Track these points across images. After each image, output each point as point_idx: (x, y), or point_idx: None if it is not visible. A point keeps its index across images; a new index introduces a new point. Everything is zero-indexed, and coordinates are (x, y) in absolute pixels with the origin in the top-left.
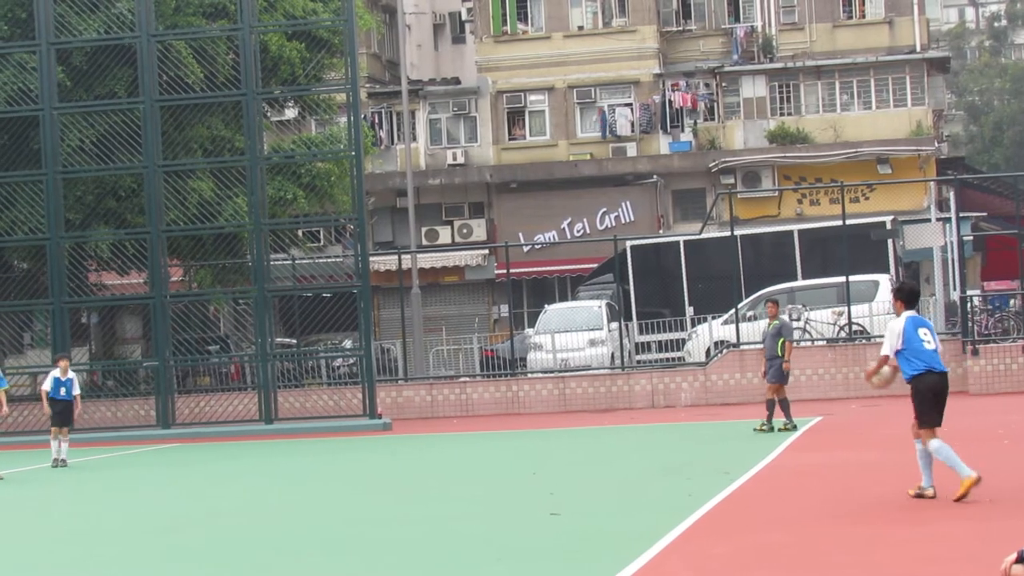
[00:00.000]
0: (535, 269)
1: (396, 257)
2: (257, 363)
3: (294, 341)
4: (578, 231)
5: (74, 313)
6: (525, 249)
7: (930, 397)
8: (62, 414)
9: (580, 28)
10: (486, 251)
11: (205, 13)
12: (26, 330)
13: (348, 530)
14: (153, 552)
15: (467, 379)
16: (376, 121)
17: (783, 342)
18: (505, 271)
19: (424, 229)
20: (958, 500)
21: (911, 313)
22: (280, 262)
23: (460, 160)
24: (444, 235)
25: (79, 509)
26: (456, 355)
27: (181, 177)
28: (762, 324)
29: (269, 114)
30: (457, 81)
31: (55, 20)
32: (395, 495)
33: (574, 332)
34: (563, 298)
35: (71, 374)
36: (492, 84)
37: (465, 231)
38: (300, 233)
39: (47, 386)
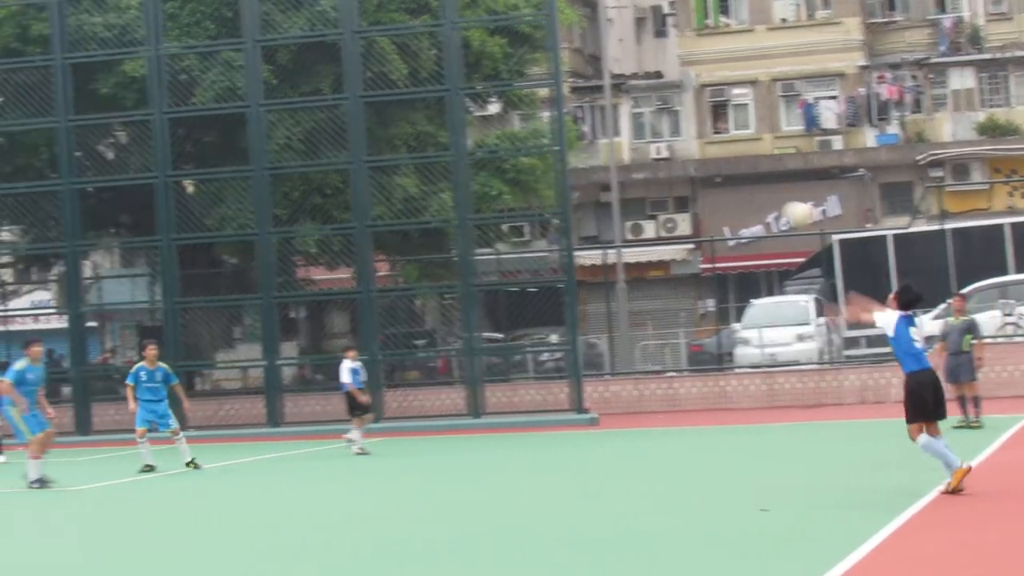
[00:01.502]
0: (740, 264)
1: (601, 252)
2: (464, 358)
3: (501, 336)
4: (784, 225)
5: (283, 308)
6: (730, 243)
7: (921, 394)
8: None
9: (783, 21)
10: (691, 246)
11: (408, 9)
12: (236, 325)
13: (567, 525)
14: (367, 542)
15: (674, 374)
16: (579, 115)
17: (970, 338)
18: (711, 266)
19: (629, 224)
20: (952, 492)
21: (903, 313)
22: (485, 257)
23: (664, 154)
24: (649, 230)
25: (301, 498)
26: (662, 350)
27: (386, 173)
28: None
29: (472, 109)
30: (660, 75)
31: (260, 18)
32: (605, 489)
33: (781, 327)
34: (769, 293)
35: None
36: (695, 78)
37: (670, 225)
38: (505, 228)
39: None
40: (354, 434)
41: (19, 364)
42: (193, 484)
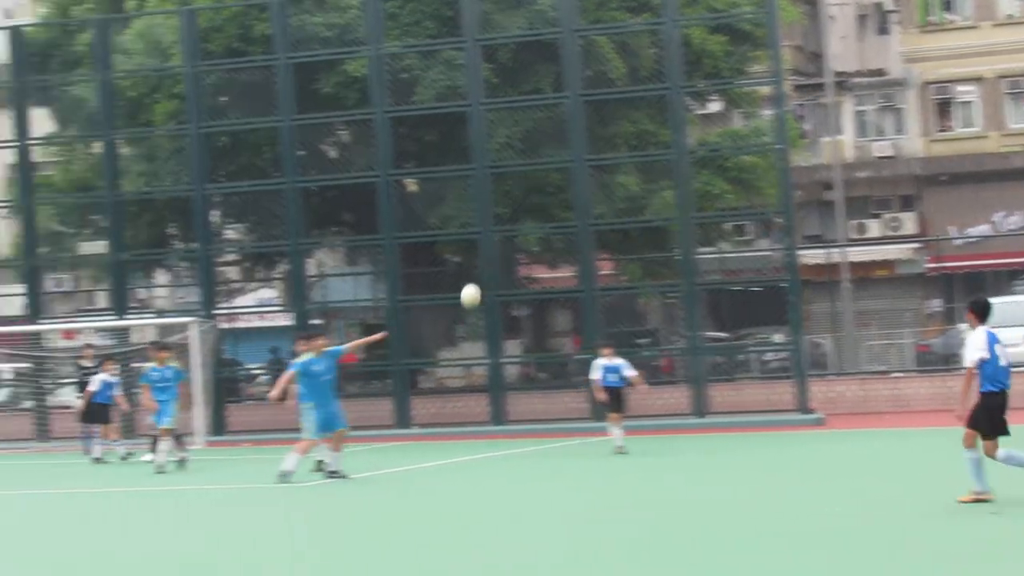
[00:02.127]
0: (967, 263)
1: (824, 251)
2: (688, 357)
3: (725, 335)
4: (1012, 224)
5: (506, 306)
6: (957, 243)
7: (997, 414)
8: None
9: (1009, 17)
10: (917, 245)
11: (628, 8)
12: (459, 323)
13: (800, 524)
14: (621, 538)
15: (900, 374)
16: (801, 114)
17: None
18: (937, 265)
19: (853, 222)
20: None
21: (987, 328)
22: (708, 256)
23: (888, 153)
24: (873, 228)
25: (539, 494)
26: (888, 350)
27: (607, 171)
28: None
29: (693, 108)
30: (882, 73)
31: (480, 17)
32: (833, 489)
33: (1011, 327)
34: (997, 292)
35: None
36: (918, 75)
37: (895, 224)
38: (727, 227)
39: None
40: (614, 431)
41: (304, 356)
42: (425, 481)
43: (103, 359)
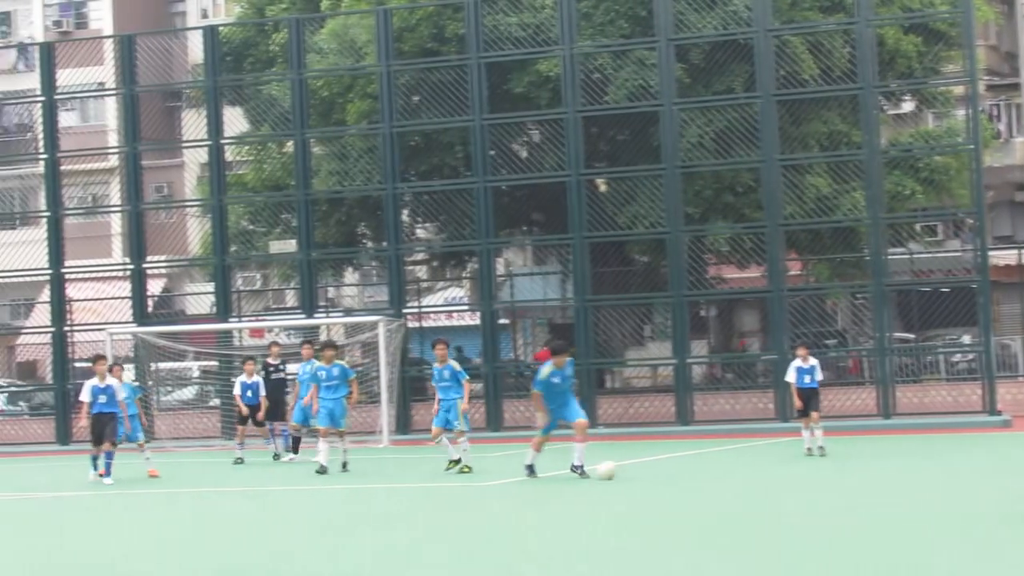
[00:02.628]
0: None
1: (1016, 252)
2: (875, 358)
3: (912, 336)
4: None
5: (693, 306)
6: None
7: None
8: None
9: None
10: None
11: (821, 7)
12: (646, 323)
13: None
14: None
15: None
16: (994, 114)
17: None
18: None
19: None
20: None
21: None
22: (898, 256)
23: None
24: None
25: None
26: None
27: (798, 171)
28: None
29: (886, 108)
30: None
31: (674, 17)
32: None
33: None
34: None
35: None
36: None
37: None
38: (917, 227)
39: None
40: (805, 434)
41: (545, 370)
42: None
43: (245, 360)
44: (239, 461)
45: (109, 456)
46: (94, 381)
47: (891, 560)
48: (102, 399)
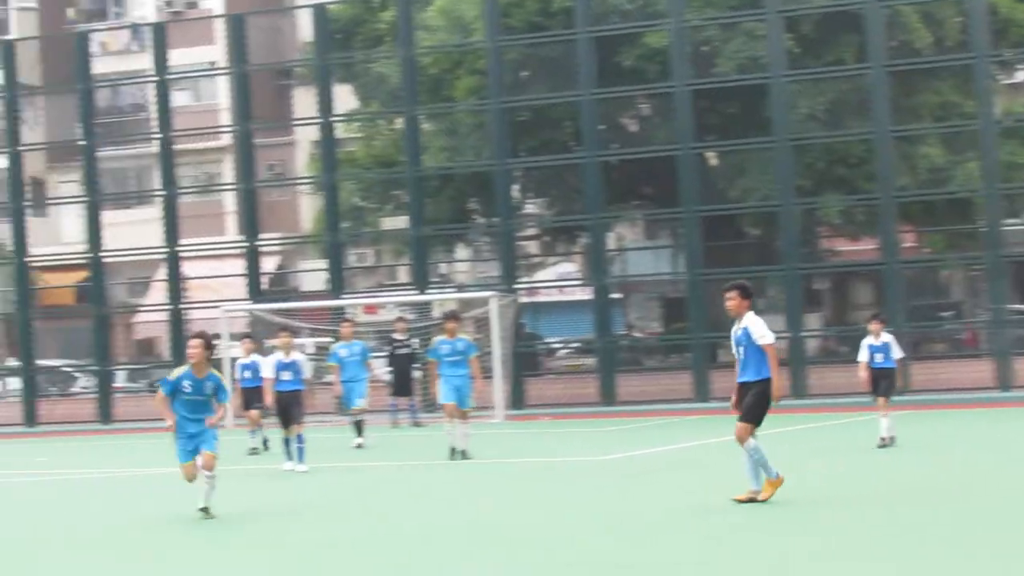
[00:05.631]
0: None
1: None
2: (991, 330)
3: None
4: None
5: (806, 279)
6: None
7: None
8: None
9: None
10: None
11: None
12: (760, 297)
13: None
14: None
15: None
16: None
17: None
18: None
19: None
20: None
21: None
22: (1014, 227)
23: None
24: None
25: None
26: None
27: (910, 143)
28: None
29: (1000, 77)
30: None
31: None
32: None
33: None
34: None
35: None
36: None
37: None
38: None
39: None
40: (882, 421)
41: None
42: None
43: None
44: (254, 451)
45: (300, 440)
46: (278, 356)
47: None
48: (286, 375)
